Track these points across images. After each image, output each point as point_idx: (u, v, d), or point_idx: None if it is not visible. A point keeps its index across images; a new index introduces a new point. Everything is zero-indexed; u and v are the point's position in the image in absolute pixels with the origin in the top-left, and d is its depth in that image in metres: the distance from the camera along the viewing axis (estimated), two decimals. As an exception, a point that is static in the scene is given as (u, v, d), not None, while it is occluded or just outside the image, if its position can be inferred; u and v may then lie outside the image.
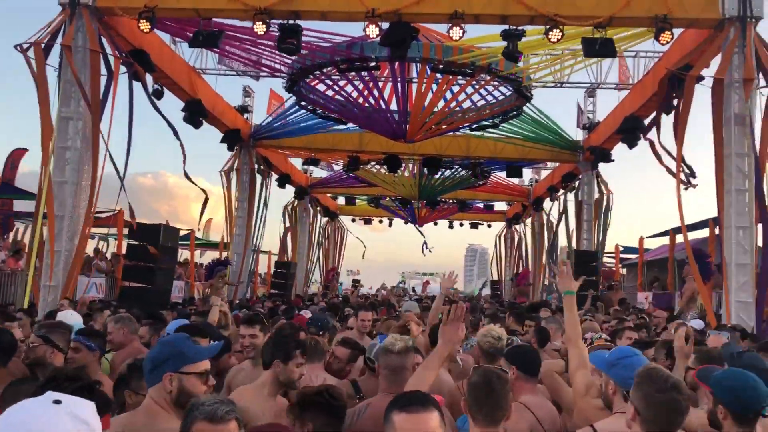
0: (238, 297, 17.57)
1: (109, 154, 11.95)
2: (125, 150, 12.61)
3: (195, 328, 4.86)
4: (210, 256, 22.56)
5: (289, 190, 25.39)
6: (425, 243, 36.00)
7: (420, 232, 32.48)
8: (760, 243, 10.93)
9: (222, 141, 18.27)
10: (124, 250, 14.11)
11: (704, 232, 16.32)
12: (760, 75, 10.75)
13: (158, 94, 14.52)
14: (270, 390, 3.74)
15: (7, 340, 4.12)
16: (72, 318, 5.59)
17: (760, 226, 10.67)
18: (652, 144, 13.13)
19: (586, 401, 3.43)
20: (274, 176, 22.49)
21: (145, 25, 11.30)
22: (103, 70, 11.75)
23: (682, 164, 11.94)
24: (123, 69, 12.54)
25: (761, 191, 10.56)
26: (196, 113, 15.84)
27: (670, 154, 12.57)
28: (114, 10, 11.68)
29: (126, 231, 14.41)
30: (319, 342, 4.89)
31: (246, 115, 19.91)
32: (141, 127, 13.37)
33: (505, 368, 3.73)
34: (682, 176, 12.01)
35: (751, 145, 10.63)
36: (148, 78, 13.70)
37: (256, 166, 20.01)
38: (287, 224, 25.54)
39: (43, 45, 11.22)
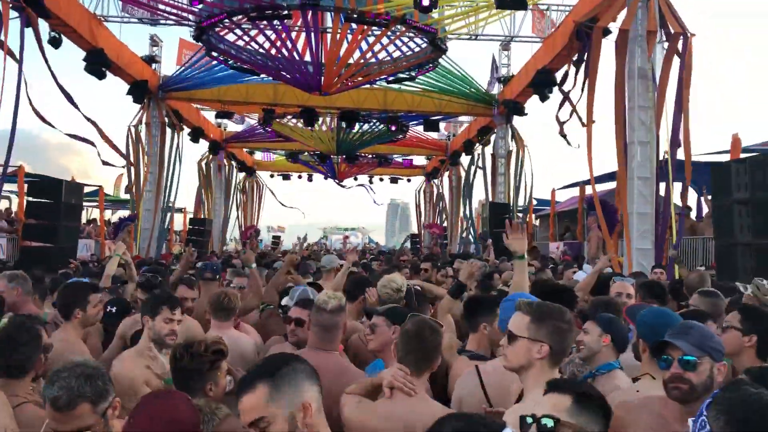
0: (151, 255, 17.03)
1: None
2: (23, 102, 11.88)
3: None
4: (122, 214, 21.69)
5: (204, 146, 24.65)
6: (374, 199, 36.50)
7: (342, 186, 32.24)
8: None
9: (128, 93, 17.41)
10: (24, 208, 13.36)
11: (612, 184, 16.96)
12: (661, 29, 11.10)
13: (56, 43, 13.63)
14: (148, 350, 3.61)
15: None
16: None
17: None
18: (566, 98, 13.33)
19: None
20: (187, 130, 21.70)
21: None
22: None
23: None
24: (14, 14, 11.68)
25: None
26: (98, 63, 14.99)
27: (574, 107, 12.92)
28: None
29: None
30: (230, 296, 4.39)
31: (154, 66, 18.98)
32: (48, 79, 12.62)
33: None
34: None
35: (653, 98, 11.03)
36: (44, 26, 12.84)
37: (166, 120, 19.19)
38: (202, 180, 24.84)
39: None
